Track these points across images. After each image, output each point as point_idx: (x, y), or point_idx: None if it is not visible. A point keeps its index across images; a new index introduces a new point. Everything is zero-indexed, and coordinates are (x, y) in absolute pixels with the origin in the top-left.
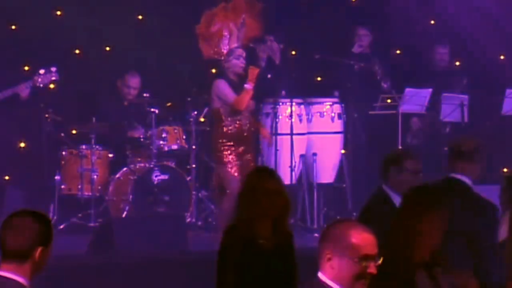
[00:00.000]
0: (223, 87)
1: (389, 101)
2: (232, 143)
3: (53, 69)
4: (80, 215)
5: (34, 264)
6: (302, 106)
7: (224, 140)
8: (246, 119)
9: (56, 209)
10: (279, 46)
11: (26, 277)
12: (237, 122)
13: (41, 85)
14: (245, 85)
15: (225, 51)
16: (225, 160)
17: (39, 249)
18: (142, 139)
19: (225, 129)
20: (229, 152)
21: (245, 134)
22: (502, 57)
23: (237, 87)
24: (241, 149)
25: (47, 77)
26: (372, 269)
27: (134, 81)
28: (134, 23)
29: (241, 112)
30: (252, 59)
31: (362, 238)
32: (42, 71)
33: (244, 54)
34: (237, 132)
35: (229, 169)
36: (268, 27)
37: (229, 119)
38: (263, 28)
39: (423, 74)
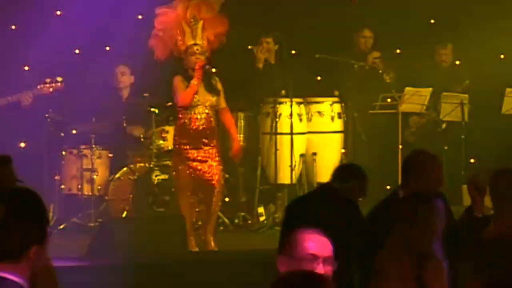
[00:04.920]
0: (175, 83)
1: (389, 100)
2: (183, 139)
3: (59, 78)
4: (80, 215)
5: (30, 263)
6: (302, 106)
7: (177, 134)
8: (204, 115)
9: (56, 209)
10: (274, 47)
11: (23, 277)
12: (192, 116)
13: (45, 94)
14: (191, 81)
15: (181, 49)
16: (173, 153)
17: (35, 248)
18: (142, 139)
19: (179, 123)
20: (178, 145)
21: (200, 129)
22: (502, 57)
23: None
24: (191, 145)
25: (52, 86)
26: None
27: (120, 68)
28: (135, 23)
29: (193, 107)
30: (250, 61)
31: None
32: (47, 80)
33: (200, 51)
34: (191, 128)
35: (174, 163)
36: (267, 28)
37: (183, 115)
38: (228, 23)
39: (424, 74)
